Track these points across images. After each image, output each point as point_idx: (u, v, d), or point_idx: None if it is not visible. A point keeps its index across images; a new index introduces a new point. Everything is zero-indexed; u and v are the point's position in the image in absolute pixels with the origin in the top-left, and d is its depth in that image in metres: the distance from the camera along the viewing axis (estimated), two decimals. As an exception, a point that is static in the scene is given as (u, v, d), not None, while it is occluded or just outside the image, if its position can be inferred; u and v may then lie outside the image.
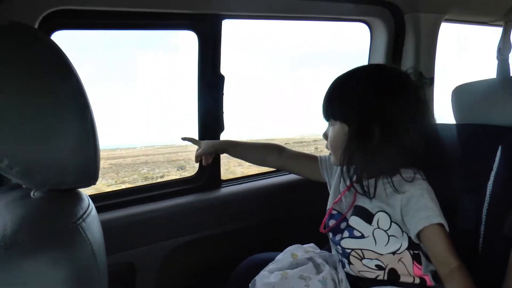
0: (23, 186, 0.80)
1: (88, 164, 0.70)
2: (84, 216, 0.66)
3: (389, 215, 1.09)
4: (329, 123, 1.18)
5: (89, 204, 0.73)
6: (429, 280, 1.10)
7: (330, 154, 1.23)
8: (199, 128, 1.64)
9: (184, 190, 1.64)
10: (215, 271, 1.61)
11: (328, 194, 1.30)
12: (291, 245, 1.31)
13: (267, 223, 1.76)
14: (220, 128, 1.65)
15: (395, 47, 1.90)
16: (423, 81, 1.85)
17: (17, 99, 0.61)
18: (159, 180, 1.69)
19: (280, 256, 1.27)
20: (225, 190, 1.71)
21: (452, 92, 1.41)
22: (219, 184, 1.72)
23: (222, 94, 1.61)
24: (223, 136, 1.67)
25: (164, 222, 1.54)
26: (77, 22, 1.37)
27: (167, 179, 1.69)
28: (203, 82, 1.59)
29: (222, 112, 1.64)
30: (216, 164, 1.67)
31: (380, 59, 1.91)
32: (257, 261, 1.33)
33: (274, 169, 1.81)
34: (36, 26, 1.21)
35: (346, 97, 1.12)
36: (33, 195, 0.73)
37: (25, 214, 0.63)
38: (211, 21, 1.53)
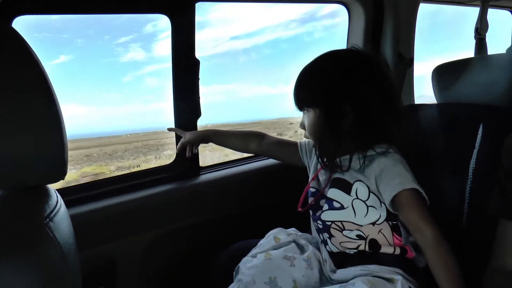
0: None
1: (54, 159, 0.66)
2: (51, 215, 0.63)
3: (367, 186, 1.12)
4: (303, 112, 1.21)
5: (57, 201, 0.70)
6: (410, 250, 1.11)
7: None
8: (175, 115, 1.60)
9: (162, 178, 1.60)
10: (198, 261, 1.60)
11: (308, 178, 1.31)
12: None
13: (248, 210, 1.74)
14: (197, 114, 1.61)
15: (374, 28, 1.88)
16: (403, 62, 1.86)
17: None
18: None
19: (263, 241, 1.27)
20: (204, 177, 1.67)
21: (432, 72, 1.40)
22: (198, 171, 1.69)
23: (198, 79, 1.57)
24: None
25: (143, 213, 1.49)
26: (40, 6, 1.29)
27: (144, 168, 1.63)
28: (178, 67, 1.54)
29: (198, 98, 1.60)
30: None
31: (358, 41, 1.89)
32: (240, 248, 1.33)
33: (253, 155, 1.83)
34: None
35: (314, 83, 1.15)
36: None
37: None
38: (184, 4, 1.48)
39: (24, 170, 0.64)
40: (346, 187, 1.14)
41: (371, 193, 1.11)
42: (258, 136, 1.48)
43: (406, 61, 1.87)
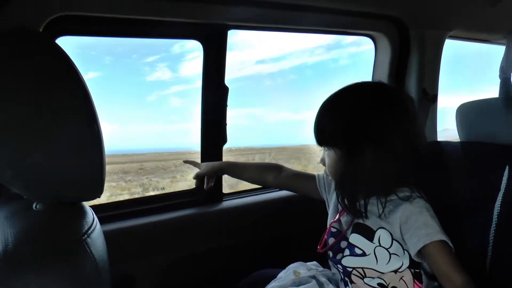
0: (24, 197, 0.79)
1: (93, 177, 0.68)
2: (89, 231, 0.64)
3: (390, 233, 1.08)
4: (323, 149, 1.16)
5: (93, 219, 0.71)
6: None
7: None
8: (202, 139, 1.63)
9: (186, 202, 1.62)
10: (216, 285, 1.60)
11: (326, 210, 1.30)
12: (292, 261, 1.30)
13: (268, 238, 1.74)
14: (223, 139, 1.64)
15: (399, 62, 1.90)
16: (427, 98, 1.87)
17: (22, 109, 0.59)
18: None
19: (282, 274, 1.26)
20: (226, 203, 1.69)
21: (457, 110, 1.40)
22: (220, 197, 1.71)
23: (226, 105, 1.60)
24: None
25: (165, 235, 1.52)
26: (81, 28, 1.36)
27: (168, 191, 1.66)
28: (207, 93, 1.58)
29: (225, 124, 1.62)
30: (217, 177, 1.65)
31: (384, 74, 1.91)
32: (259, 277, 1.33)
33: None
34: (40, 30, 1.20)
35: (334, 121, 1.10)
36: (35, 207, 0.71)
37: (27, 228, 0.61)
38: (216, 31, 1.52)
39: (64, 186, 0.66)
40: (368, 234, 1.10)
41: (394, 241, 1.07)
42: (275, 169, 1.44)
43: (430, 97, 1.88)
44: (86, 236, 0.62)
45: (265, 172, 1.45)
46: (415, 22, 1.82)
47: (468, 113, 1.36)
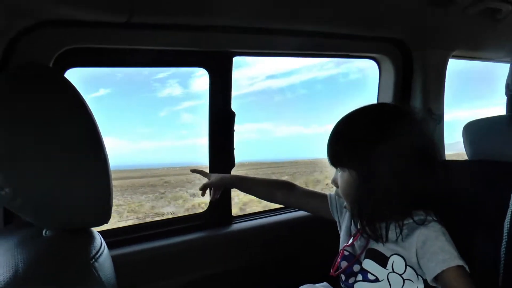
0: (34, 224, 0.80)
1: (100, 204, 0.69)
2: (97, 255, 0.65)
3: (403, 259, 1.06)
4: (336, 170, 1.15)
5: (101, 243, 0.72)
6: None
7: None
8: (210, 164, 1.64)
9: (195, 226, 1.63)
10: None
11: (337, 231, 1.29)
12: (301, 283, 1.29)
13: (278, 260, 1.73)
14: (231, 164, 1.65)
15: (403, 83, 1.92)
16: (433, 118, 1.87)
17: (32, 138, 0.61)
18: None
19: None
20: (236, 226, 1.69)
21: (463, 128, 1.40)
22: (230, 220, 1.71)
23: (233, 130, 1.62)
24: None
25: (174, 259, 1.51)
26: (90, 59, 1.40)
27: (177, 216, 1.67)
28: (214, 118, 1.60)
29: (233, 148, 1.64)
30: (226, 200, 1.67)
31: (389, 96, 1.92)
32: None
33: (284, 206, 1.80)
34: (50, 64, 1.23)
35: (348, 143, 1.09)
36: (45, 234, 0.72)
37: (37, 254, 0.62)
38: (222, 58, 1.56)
39: (73, 214, 0.67)
40: (381, 260, 1.08)
41: (408, 266, 1.05)
42: (286, 186, 1.42)
43: (435, 117, 1.88)
44: (94, 260, 0.63)
45: (275, 189, 1.43)
46: (417, 44, 1.84)
47: (475, 131, 1.36)
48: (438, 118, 1.90)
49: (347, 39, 1.72)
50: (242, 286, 1.65)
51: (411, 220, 1.06)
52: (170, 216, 1.65)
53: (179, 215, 1.69)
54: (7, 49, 1.15)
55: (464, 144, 1.41)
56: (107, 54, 1.39)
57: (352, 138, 1.09)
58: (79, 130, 0.65)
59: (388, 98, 1.91)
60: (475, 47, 1.98)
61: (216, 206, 1.61)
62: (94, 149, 0.66)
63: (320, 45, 1.70)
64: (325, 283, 1.28)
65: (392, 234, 1.07)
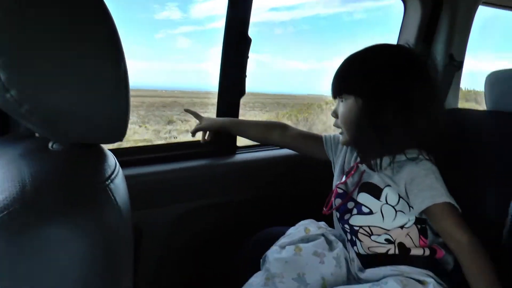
0: (36, 135, 0.74)
1: (118, 118, 0.62)
2: (112, 176, 0.60)
3: (397, 191, 1.09)
4: (339, 100, 1.16)
5: (115, 163, 0.67)
6: (439, 250, 1.10)
7: (337, 134, 1.25)
8: (219, 89, 1.59)
9: (198, 153, 1.59)
10: (224, 241, 1.60)
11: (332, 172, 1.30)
12: (299, 220, 1.30)
13: (276, 196, 1.73)
14: (241, 91, 1.60)
15: (428, 26, 1.83)
16: (453, 64, 1.81)
17: (49, 41, 0.53)
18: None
19: (292, 230, 1.26)
20: (239, 156, 1.67)
21: (486, 78, 1.36)
22: (234, 150, 1.69)
23: (247, 57, 1.56)
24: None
25: (175, 186, 1.48)
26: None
27: (181, 141, 1.63)
28: (229, 42, 1.53)
29: (245, 76, 1.59)
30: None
31: (411, 37, 1.84)
32: (269, 234, 1.33)
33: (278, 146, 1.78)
34: None
35: (363, 71, 1.10)
36: (52, 147, 0.66)
37: (46, 170, 0.56)
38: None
39: (86, 127, 0.60)
40: (375, 192, 1.12)
41: (400, 198, 1.09)
42: (279, 128, 1.44)
43: (456, 64, 1.82)
44: (109, 181, 0.58)
45: (270, 130, 1.44)
46: (449, -16, 1.73)
47: (499, 82, 1.32)
48: (458, 65, 1.83)
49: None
50: (241, 218, 1.65)
51: (404, 157, 1.09)
52: (174, 140, 1.61)
53: (183, 140, 1.64)
54: None
55: (484, 95, 1.37)
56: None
57: (364, 67, 1.10)
58: (102, 35, 0.57)
59: (410, 39, 1.83)
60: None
61: (221, 135, 1.57)
62: (115, 58, 0.59)
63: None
64: (323, 222, 1.30)
65: (385, 167, 1.11)
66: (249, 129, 1.47)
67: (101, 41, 0.57)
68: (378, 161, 1.11)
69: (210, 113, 1.69)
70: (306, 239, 1.19)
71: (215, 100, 1.62)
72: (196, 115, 1.52)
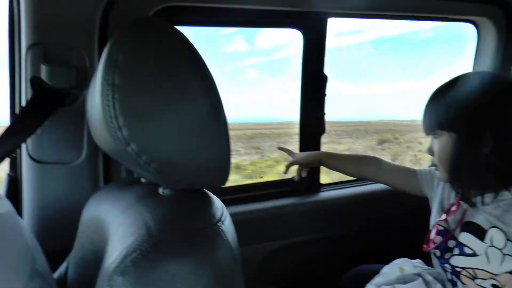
0: (142, 181, 0.78)
1: (221, 164, 0.67)
2: (222, 217, 0.64)
3: (504, 232, 1.00)
4: (433, 137, 1.10)
5: (222, 206, 0.71)
6: None
7: (432, 167, 1.17)
8: (300, 128, 1.61)
9: (284, 192, 1.60)
10: (315, 278, 1.58)
11: (429, 207, 1.24)
12: (393, 258, 1.26)
13: (366, 232, 1.70)
14: (321, 130, 1.61)
15: (505, 50, 1.77)
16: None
17: (159, 96, 0.58)
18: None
19: (387, 269, 1.22)
20: (324, 194, 1.66)
21: None
22: (318, 188, 1.68)
23: (325, 95, 1.57)
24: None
25: (262, 224, 1.50)
26: (182, 18, 1.36)
27: (266, 180, 1.66)
28: (306, 82, 1.55)
29: (324, 114, 1.59)
30: (315, 168, 1.62)
31: (487, 63, 1.79)
32: (362, 272, 1.29)
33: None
34: None
35: (453, 104, 1.03)
36: (162, 192, 0.71)
37: (165, 214, 0.61)
38: (316, 19, 1.49)
39: (195, 174, 0.65)
40: (479, 233, 1.03)
41: (508, 241, 0.99)
42: (373, 162, 1.40)
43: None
44: (220, 223, 0.62)
45: (364, 165, 1.40)
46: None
47: None
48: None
49: (446, 0, 1.60)
50: (330, 256, 1.63)
51: (510, 196, 1.00)
52: (259, 180, 1.63)
53: (268, 180, 1.67)
54: (107, 5, 1.14)
55: None
56: (198, 13, 1.35)
57: (456, 99, 1.03)
58: (200, 87, 0.62)
59: (486, 66, 1.78)
60: None
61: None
62: (216, 109, 0.63)
63: (416, 5, 1.60)
64: (419, 260, 1.24)
65: (493, 207, 1.03)
66: (343, 163, 1.43)
67: (201, 94, 0.62)
68: (479, 198, 1.04)
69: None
70: (403, 279, 1.15)
71: (292, 130, 1.63)
72: (289, 152, 1.50)
